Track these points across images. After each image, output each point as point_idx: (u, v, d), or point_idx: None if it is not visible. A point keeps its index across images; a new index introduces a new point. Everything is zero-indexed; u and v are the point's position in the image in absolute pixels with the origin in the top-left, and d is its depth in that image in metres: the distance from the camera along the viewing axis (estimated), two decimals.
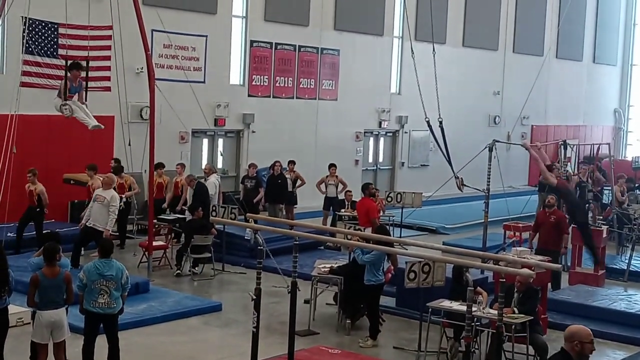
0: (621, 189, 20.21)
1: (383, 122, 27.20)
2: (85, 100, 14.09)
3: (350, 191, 19.47)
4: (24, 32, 14.27)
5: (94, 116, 14.20)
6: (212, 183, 17.73)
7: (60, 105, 13.64)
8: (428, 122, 16.67)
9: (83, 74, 13.99)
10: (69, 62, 13.84)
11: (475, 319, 10.23)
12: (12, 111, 13.77)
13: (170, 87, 17.86)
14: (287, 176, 20.03)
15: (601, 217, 19.42)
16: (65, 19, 14.29)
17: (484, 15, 30.35)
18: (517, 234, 17.14)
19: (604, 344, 12.43)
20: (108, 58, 15.05)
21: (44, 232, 14.09)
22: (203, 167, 19.65)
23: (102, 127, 14.22)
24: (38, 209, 15.82)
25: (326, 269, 12.99)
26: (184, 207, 17.68)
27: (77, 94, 13.88)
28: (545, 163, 16.20)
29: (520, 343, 10.87)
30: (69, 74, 13.67)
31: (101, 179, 15.21)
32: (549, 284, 13.48)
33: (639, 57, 39.49)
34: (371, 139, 27.46)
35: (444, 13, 28.24)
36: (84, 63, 14.10)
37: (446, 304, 11.18)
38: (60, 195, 18.38)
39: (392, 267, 13.16)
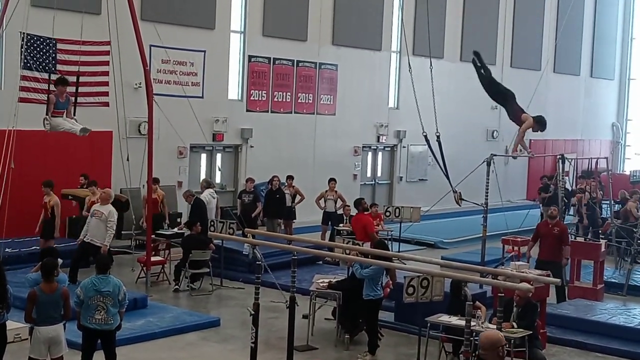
0: (636, 205, 20.21)
1: (381, 137, 27.23)
2: (74, 116, 14.05)
3: (349, 206, 19.45)
4: (22, 47, 14.29)
5: (93, 131, 14.18)
6: (204, 198, 17.71)
7: (42, 119, 13.63)
8: (426, 136, 16.67)
9: (70, 89, 13.95)
10: (57, 78, 13.83)
11: (474, 333, 10.20)
12: (10, 126, 13.78)
13: (168, 102, 17.87)
14: (285, 191, 20.01)
15: (600, 231, 19.41)
16: (62, 34, 14.30)
17: (481, 30, 30.42)
18: (516, 248, 17.13)
19: (603, 358, 12.43)
20: (106, 73, 15.05)
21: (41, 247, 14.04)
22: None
23: (90, 129, 13.98)
24: None
25: (324, 284, 12.96)
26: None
27: (65, 110, 13.82)
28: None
29: (520, 358, 10.82)
30: (55, 89, 13.66)
31: (99, 194, 15.16)
32: (555, 296, 13.46)
33: (636, 71, 39.62)
34: (369, 153, 27.48)
35: (442, 28, 28.31)
36: (72, 78, 14.07)
37: (445, 318, 11.16)
38: None
39: (390, 282, 13.13)
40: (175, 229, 17.80)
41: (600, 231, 19.96)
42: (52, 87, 13.94)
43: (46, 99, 13.78)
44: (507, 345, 6.37)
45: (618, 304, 15.38)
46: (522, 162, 28.35)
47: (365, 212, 16.64)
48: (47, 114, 13.60)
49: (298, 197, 20.23)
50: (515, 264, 13.05)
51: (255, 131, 23.24)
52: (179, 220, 19.47)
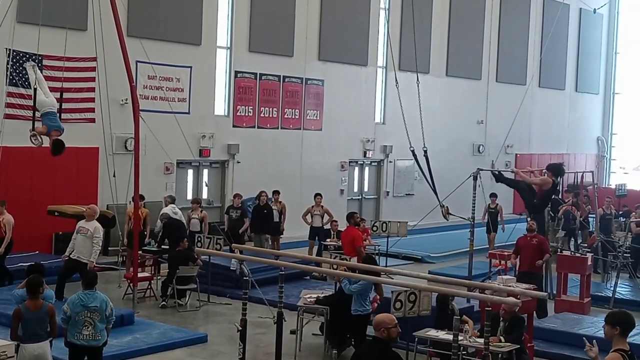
0: (638, 219, 20.24)
1: (368, 152, 27.28)
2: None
3: (336, 221, 19.43)
4: (7, 64, 14.28)
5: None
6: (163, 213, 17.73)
7: (30, 136, 13.48)
8: (413, 151, 16.74)
9: None
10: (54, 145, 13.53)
11: (462, 347, 10.21)
12: None
13: (154, 118, 17.86)
14: (273, 207, 19.97)
15: (585, 245, 19.47)
16: (48, 50, 14.29)
17: (467, 45, 30.58)
18: (503, 262, 17.16)
19: None
20: (92, 89, 15.06)
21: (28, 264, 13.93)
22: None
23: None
24: None
25: (312, 299, 12.94)
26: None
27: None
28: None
29: None
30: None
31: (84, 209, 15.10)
32: (535, 312, 13.48)
33: (620, 86, 39.88)
34: (356, 168, 27.51)
35: (428, 43, 28.44)
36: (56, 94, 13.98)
37: (432, 333, 11.16)
38: (44, 227, 18.31)
39: (378, 297, 13.12)
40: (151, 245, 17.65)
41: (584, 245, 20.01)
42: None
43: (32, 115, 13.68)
44: (393, 327, 7.16)
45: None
46: (508, 176, 28.44)
47: (356, 227, 16.59)
48: (33, 129, 13.44)
49: (283, 216, 20.16)
50: (502, 278, 13.06)
51: (242, 147, 23.24)
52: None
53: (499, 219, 21.76)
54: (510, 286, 11.72)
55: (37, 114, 12.81)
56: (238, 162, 23.28)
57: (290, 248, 19.77)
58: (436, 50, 29.30)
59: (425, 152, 16.64)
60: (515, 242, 16.00)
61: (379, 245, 19.30)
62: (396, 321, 7.15)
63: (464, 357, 10.66)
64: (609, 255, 18.58)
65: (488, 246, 21.21)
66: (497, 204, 21.70)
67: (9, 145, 14.98)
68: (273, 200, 20.15)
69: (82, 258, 14.01)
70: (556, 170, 14.23)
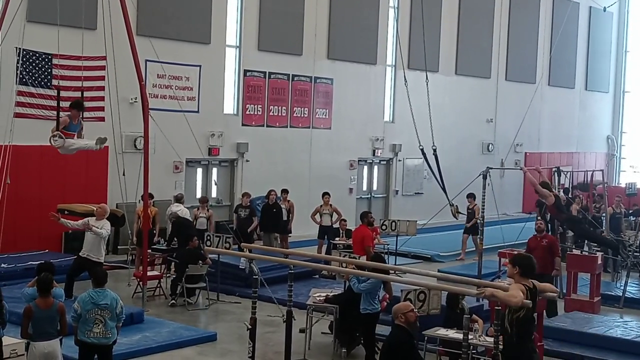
0: None
1: (377, 151, 27.26)
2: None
3: (345, 220, 19.44)
4: (18, 63, 14.30)
5: None
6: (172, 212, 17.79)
7: (50, 136, 13.51)
8: (422, 149, 16.72)
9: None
10: (73, 101, 13.69)
11: (472, 346, 10.19)
12: (6, 142, 13.79)
13: (164, 116, 17.87)
14: (282, 206, 19.98)
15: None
16: (58, 49, 14.31)
17: (476, 43, 30.53)
18: None
19: None
20: (102, 88, 15.05)
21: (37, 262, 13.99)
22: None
23: (105, 137, 13.84)
24: None
25: (321, 298, 12.93)
26: None
27: (75, 132, 13.69)
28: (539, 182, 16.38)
29: None
30: (67, 113, 13.50)
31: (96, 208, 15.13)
32: (545, 311, 13.44)
33: (630, 84, 39.76)
34: (365, 167, 27.50)
35: (437, 41, 28.40)
36: (69, 93, 13.99)
37: (442, 331, 11.14)
38: (54, 226, 18.28)
39: (387, 296, 13.11)
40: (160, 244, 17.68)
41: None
42: (51, 103, 13.90)
43: (54, 115, 13.70)
44: (409, 312, 8.16)
45: (615, 317, 15.38)
46: (518, 175, 28.40)
47: (370, 227, 16.54)
48: (57, 130, 13.45)
49: (291, 215, 20.18)
50: None
51: (251, 145, 23.25)
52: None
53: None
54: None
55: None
56: (247, 161, 23.29)
57: (299, 247, 19.77)
58: (445, 49, 29.26)
59: (435, 150, 16.62)
60: (526, 241, 15.93)
61: (388, 244, 19.29)
62: (412, 307, 7.55)
63: (473, 356, 10.64)
64: (619, 254, 18.51)
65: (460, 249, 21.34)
66: (475, 204, 21.06)
67: (18, 144, 15.01)
68: (281, 199, 20.17)
69: (92, 257, 14.03)
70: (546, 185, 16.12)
